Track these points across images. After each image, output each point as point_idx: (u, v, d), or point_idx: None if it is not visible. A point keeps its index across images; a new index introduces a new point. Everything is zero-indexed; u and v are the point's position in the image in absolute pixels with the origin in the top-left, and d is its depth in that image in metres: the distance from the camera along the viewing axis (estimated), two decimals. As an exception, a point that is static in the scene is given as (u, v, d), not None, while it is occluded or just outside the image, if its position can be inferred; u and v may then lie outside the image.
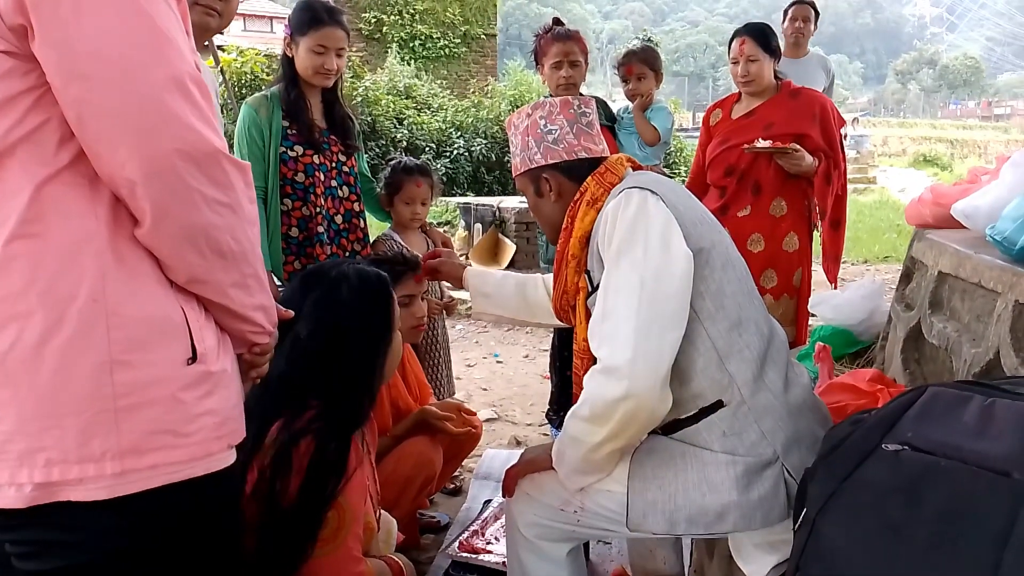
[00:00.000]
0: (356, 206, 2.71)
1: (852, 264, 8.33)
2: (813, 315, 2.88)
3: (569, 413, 1.47)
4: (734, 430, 1.43)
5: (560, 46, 2.97)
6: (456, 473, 2.96)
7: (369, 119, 11.50)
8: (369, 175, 2.90)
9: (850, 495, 1.21)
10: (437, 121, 12.21)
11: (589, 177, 1.59)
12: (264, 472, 1.40)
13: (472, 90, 14.32)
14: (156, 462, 0.96)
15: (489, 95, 13.76)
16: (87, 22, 0.86)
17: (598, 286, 1.49)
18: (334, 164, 2.62)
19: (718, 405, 1.44)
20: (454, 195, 10.54)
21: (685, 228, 1.44)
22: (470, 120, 12.40)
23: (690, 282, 1.41)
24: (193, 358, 0.99)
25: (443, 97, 13.15)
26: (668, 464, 1.47)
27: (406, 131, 11.68)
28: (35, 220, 0.89)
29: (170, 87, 0.90)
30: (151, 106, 0.89)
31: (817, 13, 4.49)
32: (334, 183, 2.62)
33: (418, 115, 12.21)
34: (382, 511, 1.89)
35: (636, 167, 1.69)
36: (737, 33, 3.01)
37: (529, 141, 1.66)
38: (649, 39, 17.11)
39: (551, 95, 3.09)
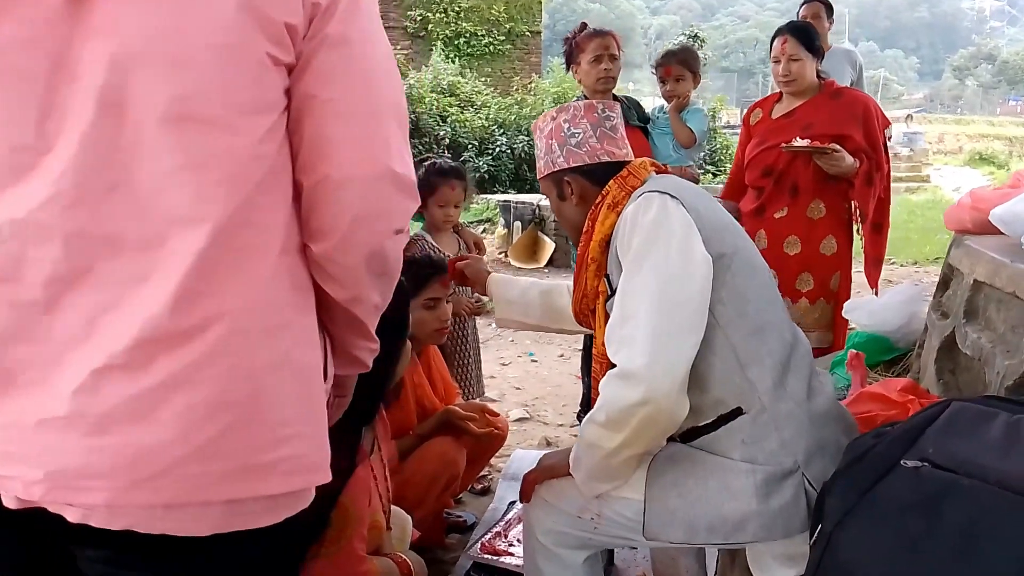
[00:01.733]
0: (388, 206, 2.72)
1: (901, 266, 8.14)
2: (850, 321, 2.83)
3: (586, 418, 1.46)
4: (754, 438, 1.41)
5: (599, 40, 2.98)
6: (485, 473, 2.97)
7: (413, 116, 11.58)
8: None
9: (868, 511, 1.18)
10: (480, 118, 12.24)
11: (611, 181, 1.59)
12: None
13: (515, 87, 14.31)
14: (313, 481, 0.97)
15: (532, 92, 13.75)
16: (363, 31, 0.92)
17: (617, 290, 1.48)
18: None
19: (737, 412, 1.42)
20: (495, 192, 10.56)
21: (705, 233, 1.42)
22: (513, 117, 12.40)
23: (709, 287, 1.39)
24: (325, 376, 1.02)
25: (486, 94, 13.17)
26: (687, 472, 1.46)
27: (449, 128, 11.74)
28: (292, 235, 0.91)
29: (397, 112, 0.96)
30: (383, 121, 0.93)
31: (831, 8, 4.38)
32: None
33: (461, 112, 12.26)
34: (397, 509, 1.91)
35: (660, 171, 1.67)
36: (779, 32, 2.96)
37: (552, 144, 1.66)
38: (695, 35, 16.87)
39: (584, 95, 3.08)
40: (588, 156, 1.62)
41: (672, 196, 1.46)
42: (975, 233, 1.98)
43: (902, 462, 1.19)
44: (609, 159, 1.63)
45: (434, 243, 2.80)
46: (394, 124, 0.95)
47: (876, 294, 3.01)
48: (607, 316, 1.55)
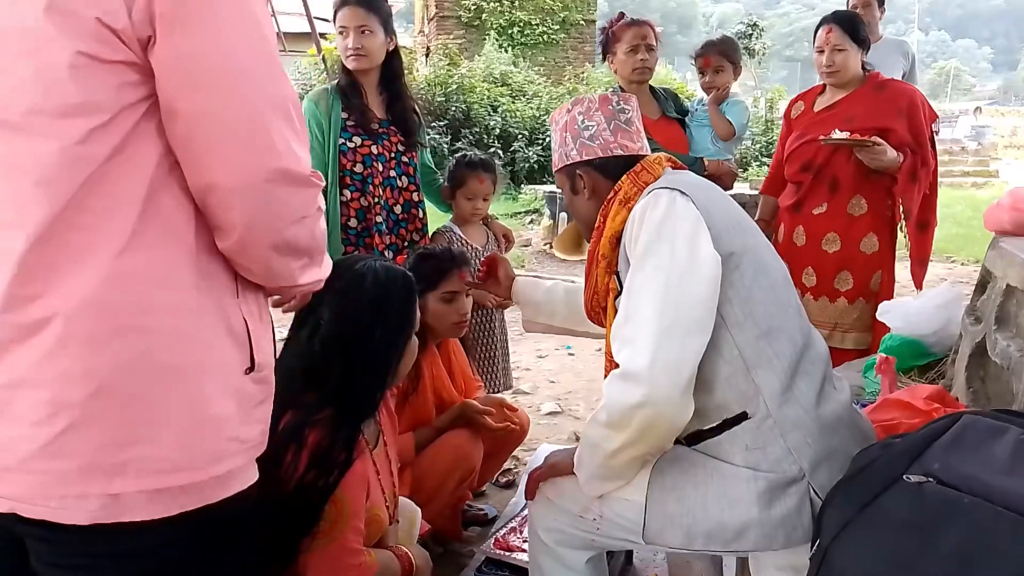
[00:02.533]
0: (415, 196, 2.73)
1: (962, 264, 7.84)
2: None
3: (590, 418, 1.44)
4: (758, 444, 1.36)
5: (636, 30, 2.92)
6: (510, 466, 2.97)
7: (464, 107, 11.61)
8: (432, 167, 2.91)
9: (866, 525, 1.13)
10: (531, 108, 12.21)
11: (624, 176, 1.55)
12: (268, 459, 1.43)
13: (568, 77, 14.22)
14: (231, 467, 0.99)
15: (585, 81, 13.64)
16: (216, 38, 0.89)
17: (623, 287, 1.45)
18: (393, 154, 2.65)
19: (742, 417, 1.38)
20: (545, 183, 10.52)
21: (715, 231, 1.38)
22: (564, 107, 12.33)
23: (717, 287, 1.35)
24: (251, 368, 1.02)
25: (538, 84, 13.13)
26: (689, 476, 1.42)
27: (499, 119, 11.73)
28: (144, 230, 0.91)
29: (277, 109, 0.94)
30: (260, 124, 0.92)
31: None
32: (393, 173, 2.65)
33: (512, 102, 12.24)
34: (407, 502, 1.91)
35: (676, 167, 1.63)
36: (824, 21, 2.86)
37: (567, 137, 1.64)
38: (754, 24, 16.49)
39: (619, 87, 3.03)
40: (601, 149, 1.59)
41: (682, 193, 1.42)
42: (1014, 235, 1.88)
43: (905, 476, 1.13)
44: (623, 152, 1.59)
45: (462, 235, 2.80)
46: (276, 119, 0.93)
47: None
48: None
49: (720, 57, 3.12)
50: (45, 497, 0.89)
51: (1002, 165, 17.05)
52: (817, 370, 1.43)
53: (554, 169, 1.72)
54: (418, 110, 2.76)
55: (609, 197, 1.56)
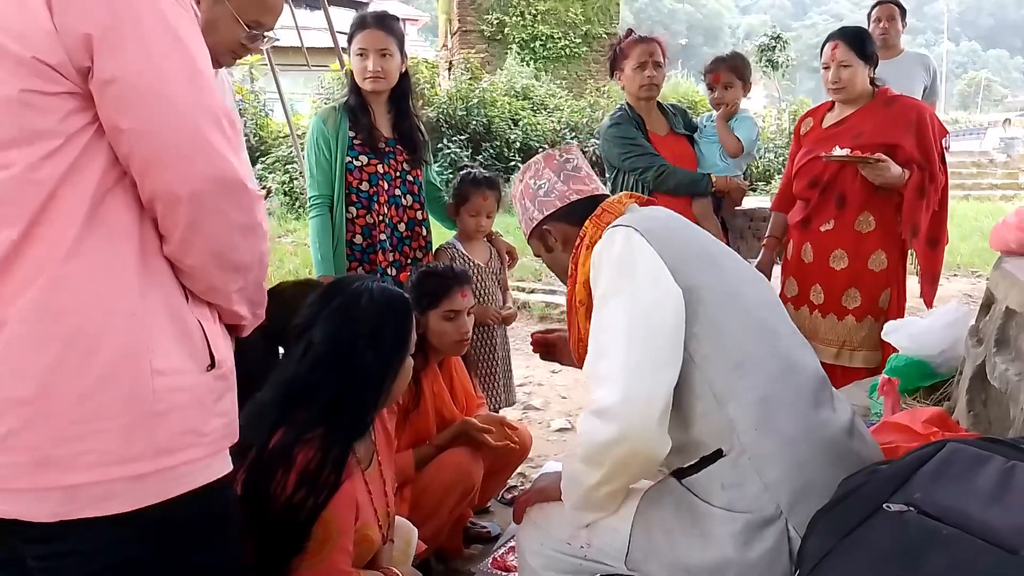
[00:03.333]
0: (419, 214, 2.75)
1: (988, 278, 7.68)
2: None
3: (567, 453, 1.44)
4: (734, 481, 1.34)
5: (644, 46, 2.93)
6: (516, 484, 2.96)
7: (485, 120, 11.65)
8: (437, 184, 2.93)
9: (846, 556, 1.11)
10: (552, 121, 12.22)
11: (588, 220, 1.58)
12: (258, 477, 1.44)
13: (589, 90, 14.23)
14: (186, 459, 1.04)
15: (606, 95, 13.64)
16: (145, 60, 0.98)
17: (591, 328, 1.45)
18: (398, 173, 2.67)
19: (718, 454, 1.36)
20: (565, 196, 10.51)
21: (671, 265, 1.39)
22: (585, 120, 12.34)
23: (682, 319, 1.35)
24: (212, 365, 1.09)
25: (560, 97, 13.14)
26: (672, 512, 1.42)
27: (520, 132, 11.76)
28: (87, 239, 0.99)
29: (209, 120, 1.03)
30: (194, 136, 1.01)
31: (903, 11, 4.26)
32: (398, 192, 2.67)
33: (533, 115, 12.27)
34: (403, 521, 1.91)
35: (644, 203, 1.64)
36: (830, 37, 2.84)
37: (526, 203, 1.70)
38: (778, 36, 16.40)
39: (627, 104, 3.03)
40: (559, 199, 1.65)
41: (635, 229, 1.44)
42: (1020, 255, 1.85)
43: (886, 505, 1.11)
44: (579, 196, 1.64)
45: (465, 252, 2.81)
46: (212, 130, 1.02)
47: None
48: None
49: (730, 73, 3.12)
50: (2, 491, 0.97)
51: (1032, 177, 16.74)
52: (801, 398, 1.40)
53: (526, 239, 1.76)
54: (423, 128, 2.78)
55: (577, 244, 1.59)
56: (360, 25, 2.54)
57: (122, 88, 0.97)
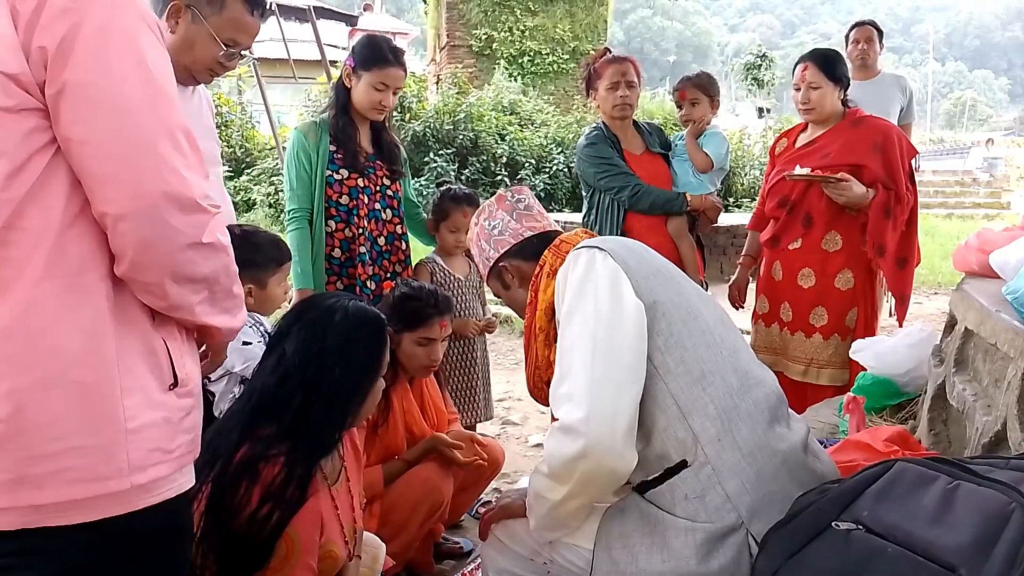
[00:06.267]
0: (399, 229, 2.78)
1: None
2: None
3: (533, 469, 1.46)
4: (697, 493, 1.36)
5: (617, 67, 2.96)
6: (490, 500, 2.96)
7: (472, 134, 11.70)
8: (415, 200, 2.95)
9: (794, 574, 1.13)
10: (539, 137, 12.28)
11: (546, 251, 1.62)
12: (223, 490, 1.44)
13: (577, 106, 14.32)
14: (155, 476, 1.05)
15: (593, 111, 13.71)
16: (102, 71, 0.97)
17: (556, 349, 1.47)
18: (378, 188, 2.70)
19: (682, 465, 1.38)
20: (552, 211, 10.56)
21: (635, 280, 1.43)
22: (571, 136, 12.40)
23: (644, 334, 1.38)
24: (175, 384, 1.09)
25: (547, 113, 13.21)
26: (635, 525, 1.43)
27: (507, 147, 11.81)
28: (59, 263, 0.98)
29: (164, 136, 1.01)
30: (146, 151, 0.99)
31: (881, 33, 4.38)
32: (377, 206, 2.70)
33: (520, 131, 12.32)
34: (371, 536, 1.91)
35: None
36: (801, 59, 2.90)
37: (482, 244, 1.74)
38: (764, 55, 16.58)
39: (603, 123, 3.06)
40: (512, 237, 1.69)
41: (600, 249, 1.48)
42: (981, 276, 1.88)
43: (834, 524, 1.14)
44: (532, 232, 1.69)
45: (445, 266, 2.83)
46: (167, 146, 1.01)
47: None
48: None
49: (695, 90, 3.16)
50: None
51: (1015, 197, 16.95)
52: (760, 411, 1.43)
53: (485, 281, 1.80)
54: (398, 142, 2.82)
55: (536, 273, 1.62)
56: (383, 60, 2.56)
57: (74, 96, 0.95)
